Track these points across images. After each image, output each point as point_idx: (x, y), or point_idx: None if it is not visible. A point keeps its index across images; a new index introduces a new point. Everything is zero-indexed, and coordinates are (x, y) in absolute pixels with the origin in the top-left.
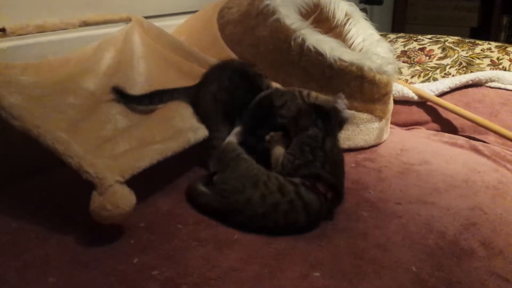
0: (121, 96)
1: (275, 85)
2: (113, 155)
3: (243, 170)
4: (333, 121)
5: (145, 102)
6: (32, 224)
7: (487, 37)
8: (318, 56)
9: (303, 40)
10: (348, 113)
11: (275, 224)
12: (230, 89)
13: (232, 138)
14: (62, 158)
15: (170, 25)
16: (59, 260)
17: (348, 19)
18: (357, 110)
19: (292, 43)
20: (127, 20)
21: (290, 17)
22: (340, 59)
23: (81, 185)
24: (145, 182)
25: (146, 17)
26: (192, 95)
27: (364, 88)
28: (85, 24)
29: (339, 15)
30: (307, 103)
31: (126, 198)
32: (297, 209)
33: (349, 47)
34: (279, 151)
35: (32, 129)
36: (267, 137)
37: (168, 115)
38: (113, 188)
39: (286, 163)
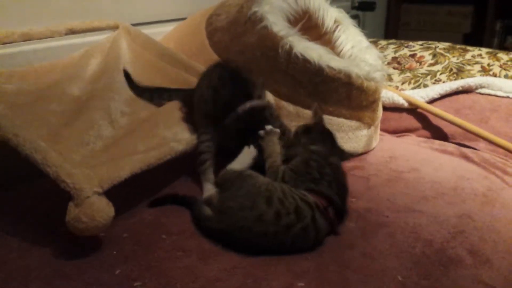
0: (127, 80)
1: (269, 97)
2: (93, 164)
3: (251, 186)
4: (336, 144)
5: (145, 95)
6: (14, 234)
7: (480, 43)
8: (305, 63)
9: (291, 47)
10: None
11: (281, 244)
12: (216, 87)
13: (233, 165)
14: (40, 167)
15: (158, 32)
16: (41, 271)
17: (337, 26)
18: (345, 117)
19: (280, 50)
20: (114, 27)
21: (278, 24)
22: (328, 66)
23: (64, 196)
24: (129, 192)
25: (134, 25)
26: (190, 97)
27: (352, 95)
28: (72, 32)
29: (328, 22)
30: (316, 121)
31: (103, 210)
32: (309, 235)
33: (338, 54)
34: (274, 148)
35: (11, 138)
36: (262, 132)
37: (152, 122)
38: (90, 200)
39: (288, 179)
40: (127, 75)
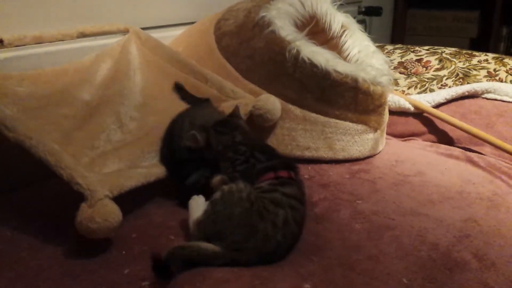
0: (180, 93)
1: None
2: (103, 172)
3: (237, 209)
4: (232, 121)
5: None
6: (25, 234)
7: (486, 48)
8: (312, 68)
9: (298, 52)
10: None
11: (294, 236)
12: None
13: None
14: (54, 169)
15: (168, 36)
16: (51, 270)
17: (344, 31)
18: (351, 121)
19: (287, 54)
20: (125, 31)
21: (285, 29)
22: (335, 71)
23: (74, 197)
24: (138, 194)
25: (144, 28)
26: None
27: (358, 99)
28: (83, 35)
29: (335, 27)
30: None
31: (115, 212)
32: (299, 208)
33: (345, 58)
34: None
35: (25, 140)
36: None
37: (157, 132)
38: (103, 202)
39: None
40: (178, 87)
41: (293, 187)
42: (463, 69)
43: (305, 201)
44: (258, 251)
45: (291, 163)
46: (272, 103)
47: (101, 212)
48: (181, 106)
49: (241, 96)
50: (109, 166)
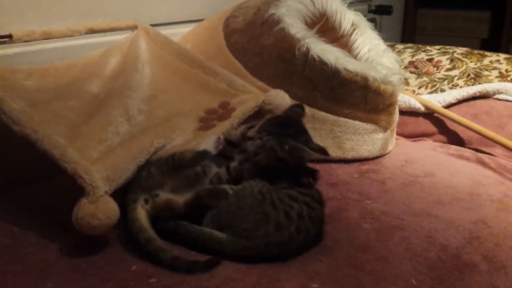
0: None
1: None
2: (105, 163)
3: (250, 199)
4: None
5: None
6: (33, 229)
7: (497, 49)
8: (322, 66)
9: (308, 50)
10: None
11: (308, 235)
12: None
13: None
14: (59, 163)
15: (176, 33)
16: (58, 265)
17: (354, 29)
18: (361, 120)
19: (297, 52)
20: (133, 27)
21: (295, 26)
22: (345, 69)
23: (81, 192)
24: None
25: (153, 25)
26: None
27: (368, 98)
28: (91, 31)
29: (345, 25)
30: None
31: (116, 210)
32: (315, 208)
33: (355, 57)
34: None
35: (31, 133)
36: None
37: (169, 125)
38: (105, 199)
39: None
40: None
41: (311, 188)
42: (475, 69)
43: (323, 203)
44: (268, 239)
45: (311, 170)
46: (281, 98)
47: (104, 209)
48: (191, 100)
49: (251, 91)
50: (111, 158)
